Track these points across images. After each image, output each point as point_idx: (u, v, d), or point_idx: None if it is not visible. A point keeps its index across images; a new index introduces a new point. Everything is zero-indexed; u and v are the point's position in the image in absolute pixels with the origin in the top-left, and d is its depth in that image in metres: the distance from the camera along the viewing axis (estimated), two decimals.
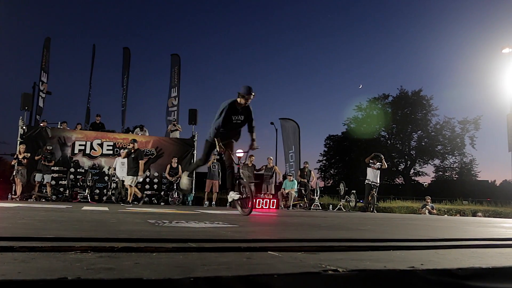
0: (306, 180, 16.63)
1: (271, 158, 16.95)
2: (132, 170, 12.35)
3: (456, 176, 46.49)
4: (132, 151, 12.45)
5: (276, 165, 16.90)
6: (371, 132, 45.09)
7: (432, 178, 48.61)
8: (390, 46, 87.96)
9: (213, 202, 15.78)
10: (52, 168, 15.11)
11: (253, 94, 6.23)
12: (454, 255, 1.90)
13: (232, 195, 6.55)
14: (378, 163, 15.19)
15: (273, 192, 16.14)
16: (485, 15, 78.58)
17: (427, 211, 17.05)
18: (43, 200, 14.42)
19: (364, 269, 1.32)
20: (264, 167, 16.29)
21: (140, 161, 12.49)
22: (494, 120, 63.48)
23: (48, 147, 15.06)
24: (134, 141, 12.83)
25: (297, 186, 16.46)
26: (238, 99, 6.25)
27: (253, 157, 16.37)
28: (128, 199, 12.61)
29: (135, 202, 13.08)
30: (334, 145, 51.76)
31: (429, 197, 18.20)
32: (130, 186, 12.46)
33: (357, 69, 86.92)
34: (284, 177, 17.56)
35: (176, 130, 18.68)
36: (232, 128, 6.48)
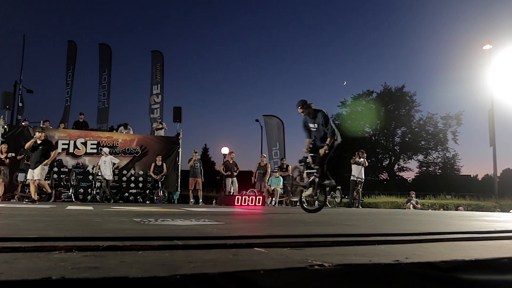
0: (287, 174, 16.68)
1: (265, 155, 17.03)
2: (40, 163, 11.09)
3: (439, 171, 47.07)
4: (39, 142, 11.19)
5: (268, 162, 16.98)
6: (356, 128, 45.39)
7: (416, 173, 49.27)
8: (374, 43, 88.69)
9: (200, 200, 15.76)
10: None
11: (298, 107, 7.52)
12: (438, 249, 1.93)
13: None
14: (362, 159, 15.31)
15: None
16: (467, 12, 79.67)
17: (411, 206, 17.25)
18: (26, 200, 14.20)
19: (350, 263, 1.33)
20: (257, 165, 16.33)
21: (54, 151, 11.52)
22: (476, 115, 64.73)
23: None
24: (42, 129, 12.04)
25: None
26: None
27: (233, 154, 16.42)
28: (33, 196, 11.21)
29: (41, 196, 12.06)
30: None
31: (414, 192, 18.42)
32: (39, 180, 11.12)
33: (341, 66, 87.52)
34: (270, 174, 17.60)
35: (161, 128, 18.55)
36: (312, 134, 7.78)
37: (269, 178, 16.72)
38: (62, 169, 15.90)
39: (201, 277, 1.11)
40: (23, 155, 14.40)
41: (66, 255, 1.48)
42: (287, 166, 17.21)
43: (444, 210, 17.66)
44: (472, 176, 57.94)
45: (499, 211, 15.11)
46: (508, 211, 14.80)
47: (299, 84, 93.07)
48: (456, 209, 17.95)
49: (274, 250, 1.70)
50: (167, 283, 1.06)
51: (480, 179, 57.89)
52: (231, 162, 16.07)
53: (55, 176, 15.54)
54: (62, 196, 14.97)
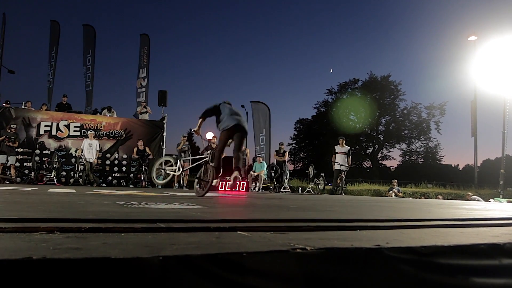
0: (283, 159, 16.76)
1: None
2: None
3: (422, 160, 47.76)
4: None
5: (247, 147, 16.94)
6: (341, 116, 45.63)
7: (399, 162, 49.95)
8: (361, 32, 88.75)
9: (184, 185, 15.73)
10: (16, 149, 14.68)
11: None
12: (418, 234, 1.96)
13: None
14: (346, 146, 15.46)
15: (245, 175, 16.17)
16: (454, 3, 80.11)
17: (393, 194, 17.50)
18: (7, 182, 14.01)
19: (332, 247, 1.35)
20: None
21: None
22: (459, 106, 65.71)
23: (12, 126, 14.60)
24: None
25: (267, 168, 16.57)
26: None
27: (216, 138, 16.39)
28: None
29: None
30: (304, 129, 52.18)
31: (396, 180, 18.68)
32: None
33: (328, 54, 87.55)
34: (254, 160, 17.61)
35: (146, 112, 18.39)
36: None
37: (253, 163, 16.75)
38: (44, 152, 15.70)
39: (183, 258, 1.11)
40: (4, 137, 14.17)
41: (48, 236, 1.46)
42: (284, 152, 17.21)
43: (425, 198, 17.95)
44: (453, 165, 59.01)
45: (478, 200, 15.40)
46: (487, 200, 15.11)
47: (287, 72, 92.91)
48: (437, 198, 18.27)
49: (257, 234, 1.70)
50: (149, 264, 1.06)
51: (461, 169, 59.01)
52: (214, 147, 16.04)
53: (37, 158, 15.35)
54: (44, 179, 14.83)
